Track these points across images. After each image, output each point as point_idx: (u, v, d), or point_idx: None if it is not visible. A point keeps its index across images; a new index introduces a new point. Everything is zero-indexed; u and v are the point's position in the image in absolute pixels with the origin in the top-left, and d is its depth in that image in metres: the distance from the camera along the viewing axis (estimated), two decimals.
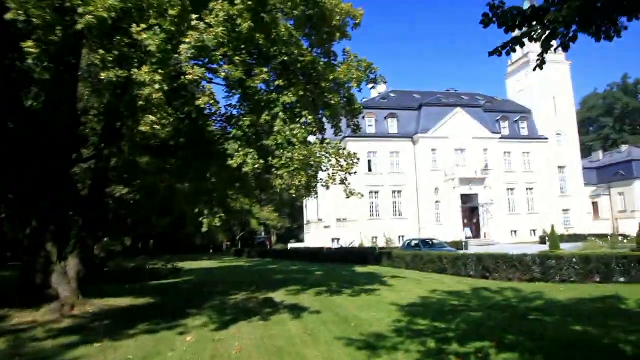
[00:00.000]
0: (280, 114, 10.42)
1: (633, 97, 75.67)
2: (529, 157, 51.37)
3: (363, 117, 41.72)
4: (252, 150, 10.08)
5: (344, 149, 10.69)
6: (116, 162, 15.14)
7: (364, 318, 9.74)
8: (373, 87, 11.77)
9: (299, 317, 9.85)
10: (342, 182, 10.96)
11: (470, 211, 48.22)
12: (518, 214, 50.01)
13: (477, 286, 14.76)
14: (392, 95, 54.10)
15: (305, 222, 52.95)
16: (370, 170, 48.00)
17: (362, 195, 11.76)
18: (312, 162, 10.39)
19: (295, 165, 10.13)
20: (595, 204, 57.07)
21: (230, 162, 9.95)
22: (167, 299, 13.14)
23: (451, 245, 28.02)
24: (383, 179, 48.29)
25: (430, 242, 24.77)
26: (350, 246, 40.19)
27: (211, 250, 61.94)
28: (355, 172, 11.31)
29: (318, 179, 16.33)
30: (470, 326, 8.62)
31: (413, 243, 25.81)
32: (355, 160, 10.75)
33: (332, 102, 10.69)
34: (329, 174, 11.08)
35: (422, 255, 20.28)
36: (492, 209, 47.13)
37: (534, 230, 49.64)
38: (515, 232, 49.18)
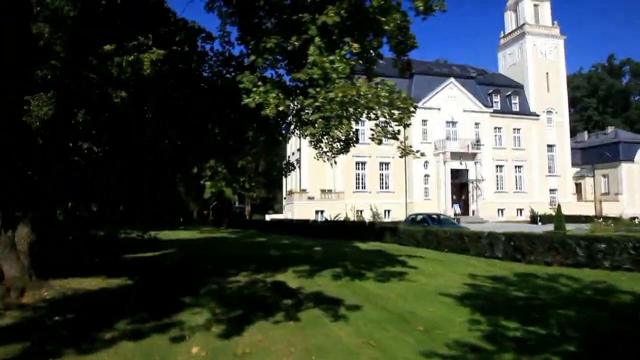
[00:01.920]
0: (317, 39, 7.61)
1: (617, 79, 75.31)
2: (519, 134, 49.83)
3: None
4: (272, 88, 7.32)
5: (399, 91, 7.99)
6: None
7: (424, 316, 7.28)
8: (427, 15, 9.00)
9: (339, 314, 7.27)
10: (394, 136, 8.30)
11: (460, 187, 46.53)
12: (506, 192, 48.70)
13: (519, 271, 12.55)
14: (381, 61, 51.12)
15: (286, 193, 50.18)
16: (357, 141, 45.26)
17: (423, 154, 9.15)
18: (359, 107, 7.68)
19: (336, 110, 7.40)
20: (578, 185, 56.43)
21: (246, 100, 7.15)
22: (149, 280, 10.31)
23: None
24: (370, 149, 45.62)
25: (437, 218, 22.57)
26: (336, 219, 37.90)
27: (181, 220, 58.65)
28: (410, 124, 8.65)
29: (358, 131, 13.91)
30: (583, 333, 6.28)
31: (418, 218, 23.55)
32: (412, 109, 8.07)
33: (387, 26, 7.89)
34: (378, 125, 8.38)
35: (437, 232, 17.99)
36: (481, 185, 45.51)
37: (520, 210, 48.53)
38: (502, 210, 47.93)
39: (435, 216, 23.11)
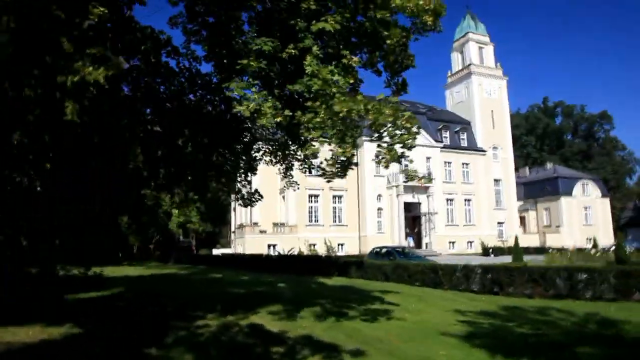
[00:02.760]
0: (314, 48, 6.78)
1: (552, 119, 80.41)
2: (468, 169, 51.17)
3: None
4: (267, 97, 6.35)
5: (403, 110, 7.22)
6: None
7: None
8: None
9: None
10: (399, 159, 7.46)
11: (412, 220, 46.73)
12: (456, 225, 49.38)
13: (504, 304, 11.97)
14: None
15: (235, 226, 48.13)
16: (310, 172, 44.52)
17: (431, 180, 8.32)
18: (359, 125, 6.88)
19: (337, 127, 6.53)
20: (522, 218, 58.53)
21: (238, 107, 6.11)
22: (100, 327, 8.64)
23: None
24: (324, 182, 44.83)
25: (402, 251, 21.90)
26: (289, 253, 36.53)
27: (120, 255, 54.65)
28: (413, 147, 7.88)
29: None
30: None
31: (383, 251, 22.75)
32: (415, 129, 7.31)
33: (389, 40, 7.18)
34: (383, 146, 7.53)
35: (407, 265, 17.23)
36: (434, 218, 45.89)
37: (470, 242, 49.26)
38: (453, 243, 48.42)
39: (399, 249, 22.47)
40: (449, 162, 50.30)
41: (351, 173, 35.79)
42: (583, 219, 56.42)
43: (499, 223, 52.09)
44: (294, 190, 14.54)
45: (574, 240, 52.94)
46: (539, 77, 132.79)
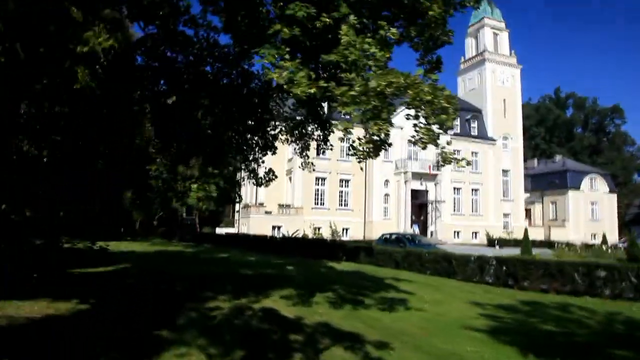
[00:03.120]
0: (351, 17, 6.26)
1: (563, 111, 79.26)
2: (477, 158, 50.50)
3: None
4: (301, 66, 5.86)
5: (443, 87, 6.69)
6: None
7: (474, 359, 5.93)
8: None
9: (372, 357, 5.77)
10: (435, 142, 6.93)
11: (419, 208, 46.29)
12: (463, 214, 48.95)
13: (522, 299, 11.58)
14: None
15: (240, 206, 47.81)
16: (318, 154, 44.02)
17: (469, 163, 7.66)
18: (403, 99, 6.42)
19: (373, 102, 6.04)
20: (528, 211, 57.93)
21: (271, 75, 5.62)
22: (108, 304, 8.30)
23: None
24: (331, 165, 44.69)
25: (411, 238, 21.51)
26: (294, 236, 36.31)
27: (122, 230, 54.45)
28: (451, 128, 7.37)
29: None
30: None
31: (392, 237, 22.37)
32: (452, 110, 6.78)
33: (431, 11, 6.63)
34: (421, 127, 7.01)
35: (420, 253, 16.84)
36: (441, 207, 45.48)
37: (475, 233, 48.90)
38: (458, 232, 48.05)
39: (409, 236, 22.08)
40: (458, 151, 49.15)
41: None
42: (589, 214, 55.86)
43: (505, 214, 51.60)
44: (310, 171, 14.06)
45: (579, 236, 52.58)
46: (552, 67, 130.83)
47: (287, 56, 5.71)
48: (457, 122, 50.27)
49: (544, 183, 57.82)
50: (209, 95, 9.11)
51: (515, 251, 32.61)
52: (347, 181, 45.79)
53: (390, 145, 7.51)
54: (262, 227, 40.00)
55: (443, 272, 15.65)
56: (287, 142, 12.54)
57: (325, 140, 11.85)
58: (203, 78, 9.84)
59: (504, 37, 53.65)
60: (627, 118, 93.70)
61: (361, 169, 41.01)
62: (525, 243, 26.41)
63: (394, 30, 6.59)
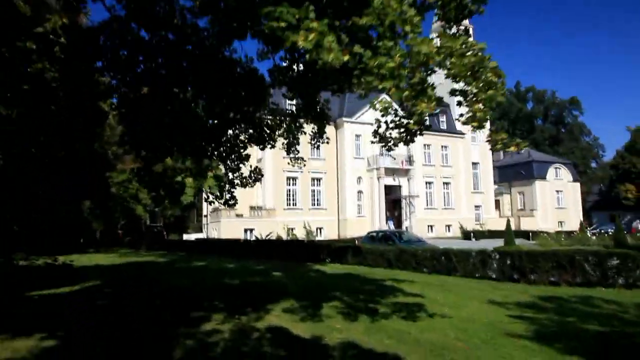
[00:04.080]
0: None
1: (524, 104, 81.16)
2: (447, 151, 50.51)
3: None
4: (328, 28, 4.65)
5: (489, 58, 5.59)
6: None
7: None
8: None
9: None
10: (481, 124, 5.82)
11: (392, 203, 45.75)
12: (435, 208, 48.76)
13: (537, 294, 10.81)
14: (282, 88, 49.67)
15: (209, 210, 45.87)
16: (288, 153, 42.63)
17: (518, 144, 6.58)
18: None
19: (418, 74, 4.95)
20: (497, 202, 58.60)
21: (293, 38, 4.38)
22: (82, 337, 6.79)
23: None
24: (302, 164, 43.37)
25: (399, 235, 20.56)
26: (268, 238, 34.98)
27: (81, 241, 51.10)
28: (502, 104, 6.31)
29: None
30: None
31: (379, 235, 21.35)
32: (501, 83, 5.70)
33: None
34: (465, 104, 5.90)
35: (415, 251, 15.88)
36: (414, 202, 45.09)
37: (448, 226, 48.86)
38: (431, 227, 47.82)
39: (396, 232, 21.13)
40: (429, 145, 49.45)
41: (330, 156, 34.28)
42: (555, 202, 57.01)
43: (476, 206, 51.90)
44: (300, 167, 12.81)
45: (547, 224, 53.60)
46: (512, 62, 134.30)
47: (311, 15, 4.48)
48: (426, 116, 50.13)
49: (511, 174, 58.65)
50: (192, 83, 7.72)
51: (492, 242, 32.37)
52: (319, 180, 44.70)
53: (429, 126, 6.40)
54: (234, 231, 38.41)
55: (442, 269, 14.75)
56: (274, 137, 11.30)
57: (321, 133, 10.67)
58: (183, 64, 8.44)
59: (469, 31, 53.85)
60: (585, 109, 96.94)
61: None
62: (508, 234, 26.02)
63: None
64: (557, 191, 57.25)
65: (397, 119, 6.56)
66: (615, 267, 11.87)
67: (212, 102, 8.71)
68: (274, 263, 19.40)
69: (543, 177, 56.27)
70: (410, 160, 45.27)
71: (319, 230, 43.27)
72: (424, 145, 48.81)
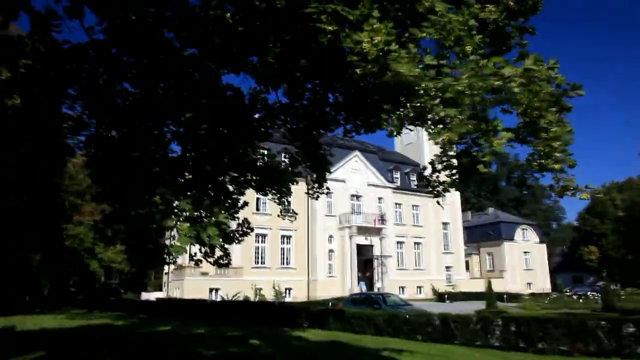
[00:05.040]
0: None
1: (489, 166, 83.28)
2: (418, 211, 50.35)
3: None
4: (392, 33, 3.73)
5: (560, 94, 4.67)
6: None
7: None
8: None
9: None
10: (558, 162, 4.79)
11: (364, 264, 44.40)
12: (407, 269, 47.76)
13: None
14: (281, 130, 49.30)
15: (172, 267, 43.12)
16: (258, 209, 41.27)
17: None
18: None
19: (488, 102, 4.12)
20: (466, 263, 58.31)
21: (355, 37, 3.41)
22: None
23: None
24: (272, 220, 41.96)
25: (383, 298, 19.19)
26: (235, 299, 32.82)
27: (27, 299, 46.45)
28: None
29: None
30: None
31: (362, 298, 19.89)
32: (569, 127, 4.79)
33: None
34: (534, 157, 4.88)
35: (408, 317, 14.58)
36: (387, 262, 43.96)
37: (420, 287, 47.77)
38: (403, 288, 46.49)
39: (380, 295, 19.75)
40: (400, 204, 49.23)
41: (301, 213, 32.30)
42: (523, 263, 57.26)
43: (446, 267, 51.26)
44: (291, 221, 11.53)
45: (517, 285, 53.38)
46: None
47: (375, 13, 3.55)
48: (398, 175, 50.41)
49: (479, 235, 58.92)
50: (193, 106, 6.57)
51: (468, 305, 31.44)
52: (288, 237, 43.16)
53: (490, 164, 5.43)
54: (198, 290, 35.86)
55: (438, 336, 13.47)
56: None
57: (320, 182, 9.60)
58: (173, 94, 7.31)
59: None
60: (546, 173, 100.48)
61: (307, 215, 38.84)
62: (489, 296, 25.16)
63: (492, 7, 4.72)
64: (525, 252, 57.67)
65: (446, 158, 5.58)
66: (632, 335, 10.99)
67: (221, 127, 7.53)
68: (247, 328, 17.57)
69: (511, 238, 56.73)
70: (382, 219, 44.58)
71: (287, 291, 41.20)
72: (395, 204, 48.55)
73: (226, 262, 8.04)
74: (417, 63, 3.78)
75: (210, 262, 7.87)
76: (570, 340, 11.43)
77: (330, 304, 29.07)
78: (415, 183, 51.32)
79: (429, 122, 5.53)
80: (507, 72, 3.91)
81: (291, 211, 10.95)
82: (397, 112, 6.39)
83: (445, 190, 6.02)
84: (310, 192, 9.81)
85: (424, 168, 6.27)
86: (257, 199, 41.84)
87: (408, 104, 5.79)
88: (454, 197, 53.66)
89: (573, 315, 13.41)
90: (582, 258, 58.31)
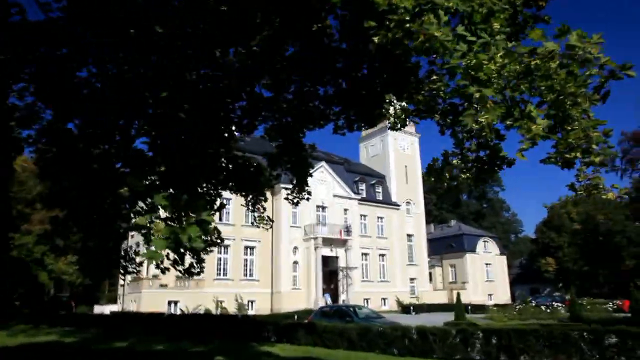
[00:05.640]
0: None
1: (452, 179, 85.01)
2: (383, 223, 50.24)
3: None
4: None
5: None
6: None
7: None
8: None
9: None
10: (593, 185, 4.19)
11: (329, 275, 43.66)
12: (371, 281, 47.37)
13: None
14: (247, 138, 48.26)
15: (128, 278, 40.98)
16: (220, 219, 39.91)
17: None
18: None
19: (524, 85, 3.51)
20: (430, 275, 58.66)
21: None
22: None
23: None
24: (236, 231, 40.89)
25: (354, 311, 18.49)
26: (196, 312, 31.44)
27: None
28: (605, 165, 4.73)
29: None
30: None
31: (332, 310, 19.10)
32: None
33: None
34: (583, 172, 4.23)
35: (383, 330, 13.95)
36: (352, 274, 43.42)
37: (384, 299, 47.46)
38: (367, 300, 45.97)
39: (350, 307, 19.05)
40: (365, 215, 48.99)
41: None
42: (485, 275, 58.11)
43: (411, 279, 51.27)
44: (267, 229, 10.75)
45: (478, 297, 54.01)
46: (437, 138, 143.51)
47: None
48: (363, 187, 50.21)
49: (442, 247, 59.44)
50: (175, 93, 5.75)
51: (434, 317, 31.30)
52: (252, 248, 41.98)
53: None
54: (156, 303, 34.11)
55: (416, 350, 12.89)
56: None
57: (301, 186, 8.90)
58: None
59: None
60: (505, 186, 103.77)
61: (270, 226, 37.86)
62: (458, 307, 24.96)
63: None
64: (487, 264, 58.58)
65: (461, 151, 5.01)
66: (614, 346, 10.79)
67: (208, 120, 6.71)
68: (211, 343, 16.51)
69: (473, 250, 57.53)
70: (348, 230, 44.15)
71: (250, 304, 39.96)
72: (361, 215, 48.27)
73: (197, 270, 7.18)
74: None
75: (180, 271, 6.99)
76: (553, 352, 11.13)
77: (296, 317, 28.20)
78: (381, 196, 51.32)
79: (438, 113, 5.00)
80: (550, 46, 3.39)
81: (266, 218, 10.23)
82: (400, 103, 5.85)
83: (459, 186, 5.44)
84: (290, 197, 9.12)
85: (435, 160, 5.65)
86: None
87: (415, 93, 5.26)
88: (418, 209, 54.08)
89: (548, 326, 13.20)
90: (539, 270, 59.73)
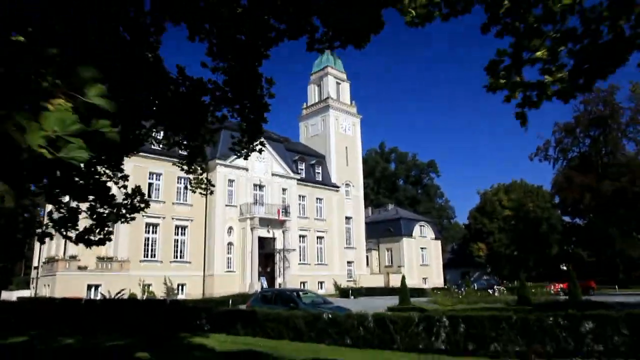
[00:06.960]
0: None
1: (388, 164, 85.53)
2: (322, 204, 48.91)
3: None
4: None
5: None
6: None
7: None
8: None
9: None
10: None
11: (265, 258, 41.67)
12: (308, 263, 46.06)
13: None
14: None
15: (42, 260, 36.49)
16: (150, 196, 36.52)
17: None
18: None
19: None
20: (366, 258, 58.41)
21: None
22: None
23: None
24: (165, 209, 37.77)
25: (298, 294, 16.62)
26: (119, 297, 28.31)
27: None
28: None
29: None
30: None
31: (274, 295, 17.00)
32: None
33: None
34: None
35: (335, 318, 12.25)
36: (289, 256, 41.73)
37: (321, 282, 46.39)
38: (304, 283, 44.66)
39: (295, 292, 17.15)
40: (304, 196, 47.36)
41: (199, 201, 28.81)
42: (420, 259, 58.78)
43: (348, 262, 50.55)
44: (209, 194, 8.57)
45: (414, 280, 54.47)
46: (378, 122, 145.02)
47: None
48: (303, 166, 48.46)
49: (380, 231, 59.27)
50: None
51: (375, 301, 30.47)
52: (183, 228, 39.04)
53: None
54: (74, 288, 30.43)
55: (374, 341, 11.35)
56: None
57: (254, 135, 6.85)
58: None
59: (346, 87, 54.98)
60: (440, 172, 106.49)
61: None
62: (403, 291, 24.03)
63: None
64: (422, 248, 59.27)
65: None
66: (590, 333, 9.81)
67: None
68: (134, 335, 14.08)
69: (410, 235, 57.86)
70: (286, 210, 42.29)
71: (180, 287, 37.26)
72: (300, 196, 46.59)
73: (98, 238, 4.96)
74: None
75: (70, 239, 4.75)
76: (526, 340, 10.00)
77: (230, 301, 26.05)
78: (320, 176, 49.80)
79: None
80: None
81: (205, 181, 8.06)
82: None
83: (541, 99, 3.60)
84: (238, 147, 7.03)
85: (502, 53, 3.72)
86: (150, 184, 37.25)
87: None
88: (358, 192, 53.29)
89: (506, 310, 12.14)
90: (471, 254, 61.41)
